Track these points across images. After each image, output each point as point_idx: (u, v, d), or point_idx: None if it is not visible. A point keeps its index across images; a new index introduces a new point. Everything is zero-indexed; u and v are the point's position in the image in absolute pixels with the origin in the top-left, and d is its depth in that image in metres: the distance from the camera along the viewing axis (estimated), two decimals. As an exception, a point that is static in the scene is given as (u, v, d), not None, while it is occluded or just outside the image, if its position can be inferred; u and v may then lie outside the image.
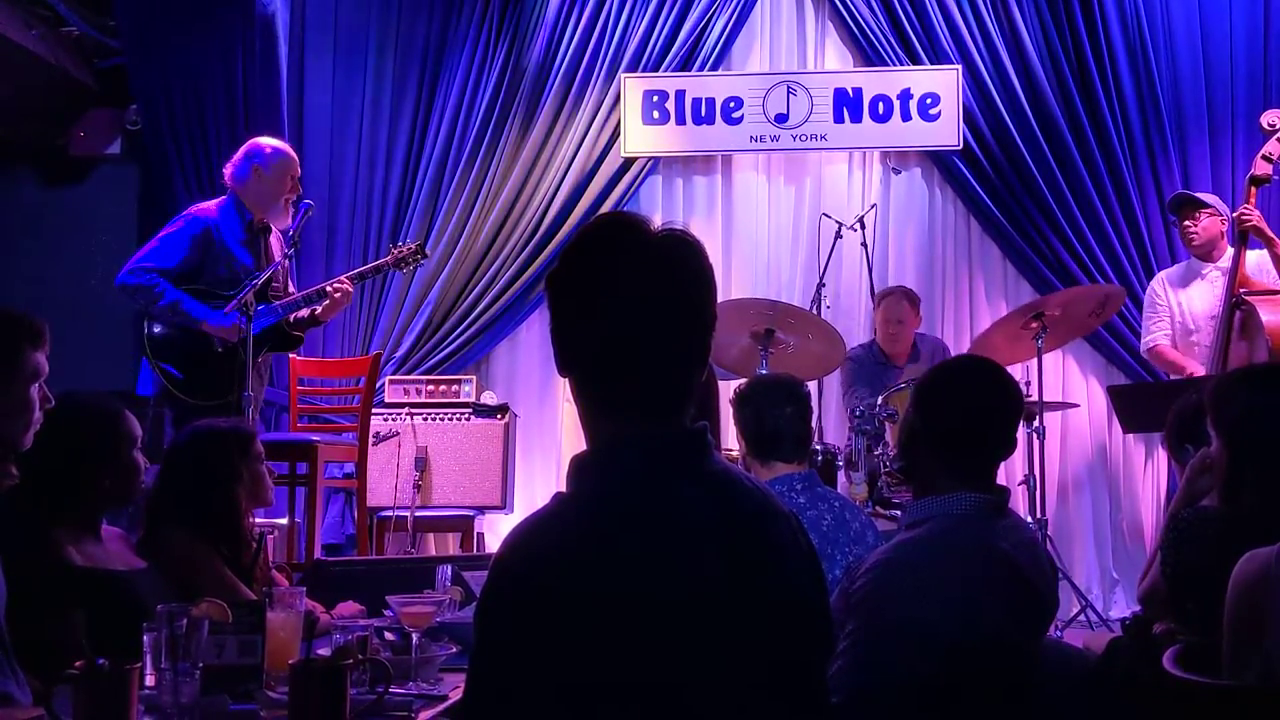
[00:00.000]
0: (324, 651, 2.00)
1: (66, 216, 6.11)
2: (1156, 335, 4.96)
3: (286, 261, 4.50)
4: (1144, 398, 4.88)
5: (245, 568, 2.76)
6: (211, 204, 4.43)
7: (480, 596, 1.37)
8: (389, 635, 2.37)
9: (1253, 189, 4.55)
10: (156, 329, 4.23)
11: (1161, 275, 5.11)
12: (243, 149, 4.46)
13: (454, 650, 2.28)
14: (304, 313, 4.48)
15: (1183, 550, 2.23)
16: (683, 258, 1.43)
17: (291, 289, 4.60)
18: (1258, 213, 4.53)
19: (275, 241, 4.52)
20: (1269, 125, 4.57)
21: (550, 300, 1.45)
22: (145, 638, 1.91)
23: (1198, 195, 4.91)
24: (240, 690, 1.96)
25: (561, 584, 1.29)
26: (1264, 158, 4.53)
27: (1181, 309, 4.89)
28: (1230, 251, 4.64)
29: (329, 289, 4.37)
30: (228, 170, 4.43)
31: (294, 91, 6.18)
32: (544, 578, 1.30)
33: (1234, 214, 4.59)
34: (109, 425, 2.49)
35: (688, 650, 1.29)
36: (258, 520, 3.01)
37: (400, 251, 4.61)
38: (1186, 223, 4.87)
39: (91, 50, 6.10)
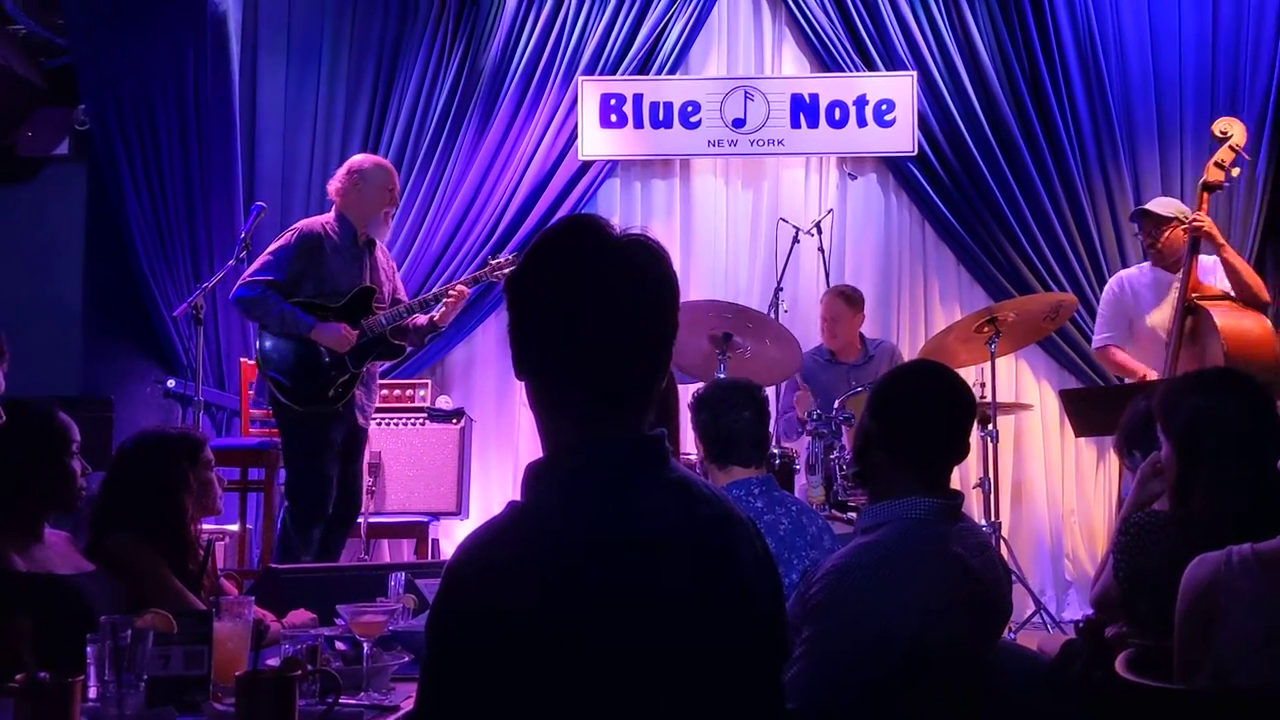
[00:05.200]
0: (273, 662, 1.96)
1: (14, 217, 6.00)
2: (1109, 335, 4.81)
3: (383, 275, 4.53)
4: (1095, 401, 4.88)
5: (193, 575, 2.72)
6: (318, 219, 4.50)
7: (433, 606, 1.35)
8: (340, 645, 2.34)
9: (1204, 195, 4.52)
10: (268, 342, 4.33)
11: (1122, 275, 4.92)
12: (345, 164, 4.55)
13: (406, 659, 2.26)
14: (421, 319, 4.51)
15: (1135, 554, 2.25)
16: (646, 263, 1.40)
17: (402, 297, 4.62)
18: (1209, 220, 4.49)
19: (381, 256, 4.55)
20: (1221, 133, 4.56)
21: (510, 302, 1.42)
22: (88, 649, 1.87)
23: (1156, 210, 4.69)
24: (186, 702, 1.92)
25: (516, 594, 1.27)
26: (1216, 164, 4.51)
27: (1139, 314, 4.73)
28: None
29: (450, 291, 4.46)
30: (331, 186, 4.50)
31: (246, 91, 6.12)
32: (498, 588, 1.28)
33: (1188, 221, 4.49)
34: (42, 430, 2.43)
35: (645, 658, 1.28)
36: (206, 527, 2.97)
37: (501, 264, 4.65)
38: (1149, 237, 4.69)
39: (39, 49, 5.99)
